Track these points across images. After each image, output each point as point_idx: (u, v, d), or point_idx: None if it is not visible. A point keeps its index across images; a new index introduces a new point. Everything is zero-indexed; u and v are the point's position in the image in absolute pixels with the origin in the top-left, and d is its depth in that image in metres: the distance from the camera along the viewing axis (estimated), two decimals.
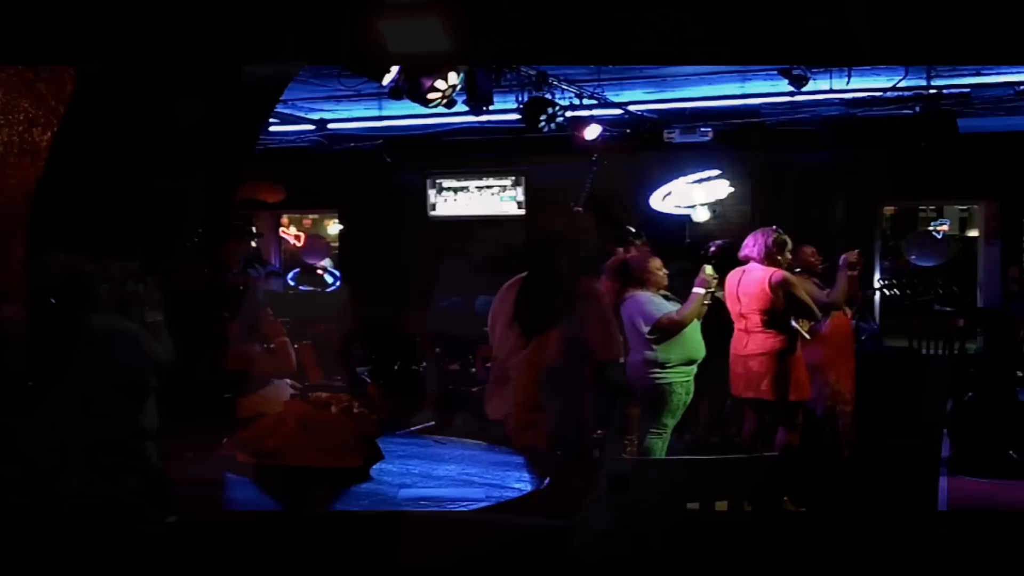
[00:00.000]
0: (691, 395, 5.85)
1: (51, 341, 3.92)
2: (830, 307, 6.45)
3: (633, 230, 6.92)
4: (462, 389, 8.30)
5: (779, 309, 5.84)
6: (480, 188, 11.67)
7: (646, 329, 5.69)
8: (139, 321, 4.15)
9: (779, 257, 5.97)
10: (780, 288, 5.83)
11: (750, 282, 5.92)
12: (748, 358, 5.91)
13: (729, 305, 6.01)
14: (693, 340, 5.82)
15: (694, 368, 5.85)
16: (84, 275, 3.92)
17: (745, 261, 6.02)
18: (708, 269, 5.79)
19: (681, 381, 5.78)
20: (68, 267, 3.93)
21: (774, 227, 6.07)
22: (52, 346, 3.91)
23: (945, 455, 6.51)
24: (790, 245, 6.08)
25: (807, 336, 6.08)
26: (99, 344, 3.89)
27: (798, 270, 6.57)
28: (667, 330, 5.68)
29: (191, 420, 4.37)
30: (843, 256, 6.25)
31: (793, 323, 5.91)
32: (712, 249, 6.90)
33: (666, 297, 5.94)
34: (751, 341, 5.90)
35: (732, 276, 6.00)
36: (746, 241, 6.07)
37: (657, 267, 5.95)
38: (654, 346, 5.72)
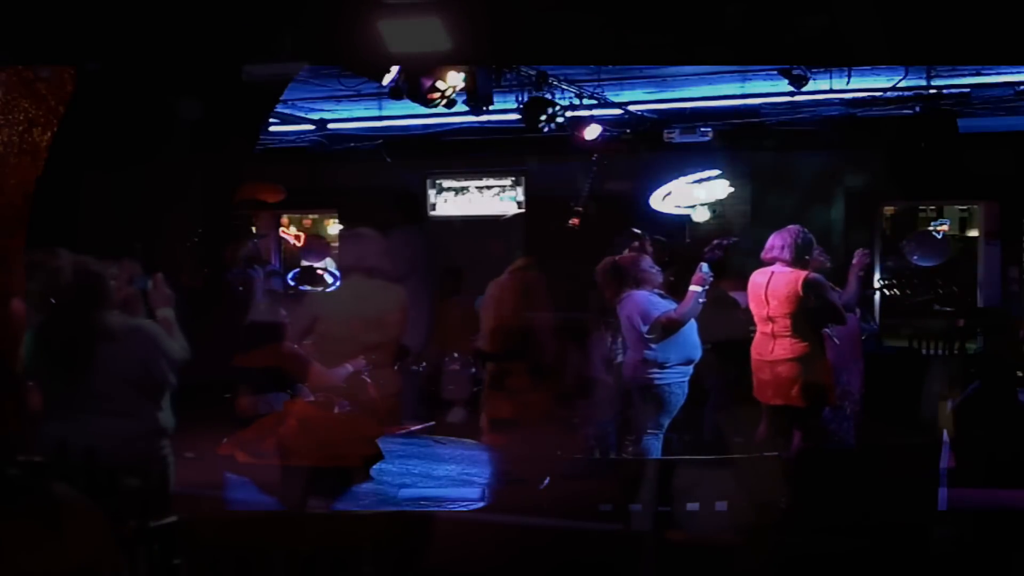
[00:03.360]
0: (685, 395, 5.82)
1: (64, 341, 3.90)
2: (844, 307, 6.43)
3: (638, 231, 6.91)
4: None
5: (809, 312, 5.65)
6: (480, 188, 11.66)
7: (645, 328, 5.67)
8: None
9: (806, 257, 5.74)
10: (812, 290, 5.63)
11: (780, 284, 5.69)
12: (776, 363, 5.70)
13: (754, 308, 5.82)
14: (691, 340, 5.80)
15: (691, 368, 5.82)
16: (95, 274, 3.91)
17: (771, 262, 5.80)
18: (705, 267, 5.74)
19: (679, 381, 5.76)
20: (79, 267, 3.91)
21: (800, 227, 5.85)
22: (66, 346, 3.89)
23: (945, 456, 6.50)
24: (815, 244, 5.93)
25: (836, 341, 5.96)
26: (116, 343, 3.88)
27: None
28: (666, 329, 5.65)
29: (191, 420, 4.36)
30: (857, 256, 6.19)
31: (826, 329, 5.76)
32: (717, 252, 6.81)
33: (661, 296, 5.92)
34: (777, 346, 5.70)
35: (759, 277, 5.79)
36: (771, 242, 5.82)
37: (649, 265, 5.92)
38: (653, 346, 5.70)
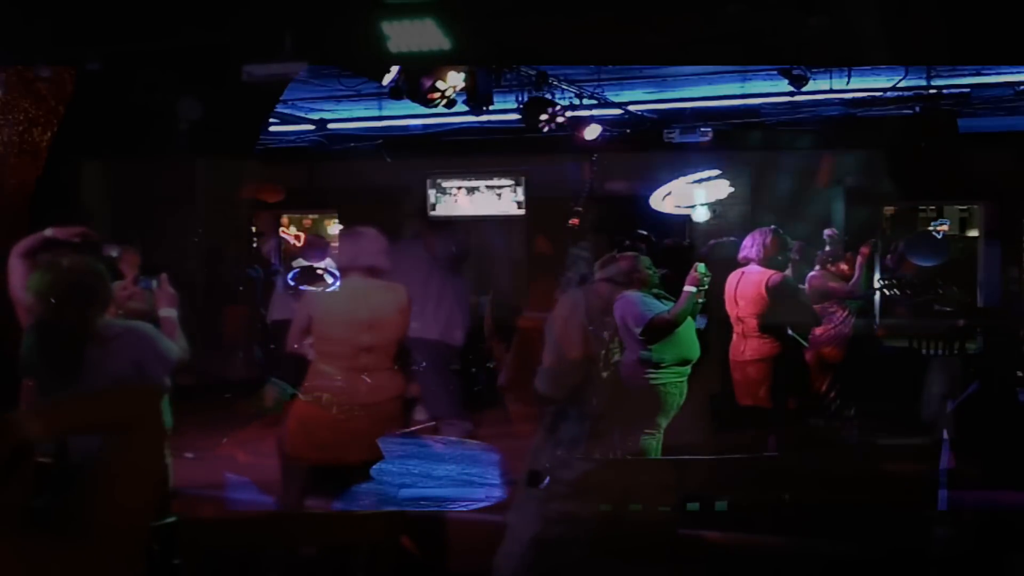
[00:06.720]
0: (684, 395, 5.81)
1: (60, 342, 3.88)
2: (852, 297, 6.47)
3: (644, 232, 6.89)
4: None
5: (776, 313, 5.71)
6: (480, 188, 11.67)
7: (637, 330, 5.64)
8: (148, 318, 4.12)
9: (779, 258, 5.83)
10: (777, 292, 5.71)
11: (747, 284, 5.80)
12: (746, 364, 5.79)
13: (727, 308, 5.90)
14: (687, 340, 5.76)
15: (688, 368, 5.80)
16: (94, 274, 3.88)
17: (745, 262, 5.92)
18: (700, 267, 5.73)
19: (675, 381, 5.73)
20: (78, 266, 3.89)
21: (772, 227, 5.96)
22: (61, 347, 3.87)
23: (945, 455, 6.50)
24: (791, 245, 6.00)
25: (805, 343, 6.00)
26: (110, 344, 3.84)
27: (834, 270, 6.60)
28: (659, 330, 5.61)
29: (191, 420, 4.36)
30: (863, 247, 6.27)
31: (789, 331, 5.81)
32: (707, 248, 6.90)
33: (661, 296, 5.88)
34: (747, 347, 5.79)
35: (731, 278, 5.87)
36: (744, 242, 5.95)
37: (646, 266, 5.89)
38: (648, 346, 5.68)
